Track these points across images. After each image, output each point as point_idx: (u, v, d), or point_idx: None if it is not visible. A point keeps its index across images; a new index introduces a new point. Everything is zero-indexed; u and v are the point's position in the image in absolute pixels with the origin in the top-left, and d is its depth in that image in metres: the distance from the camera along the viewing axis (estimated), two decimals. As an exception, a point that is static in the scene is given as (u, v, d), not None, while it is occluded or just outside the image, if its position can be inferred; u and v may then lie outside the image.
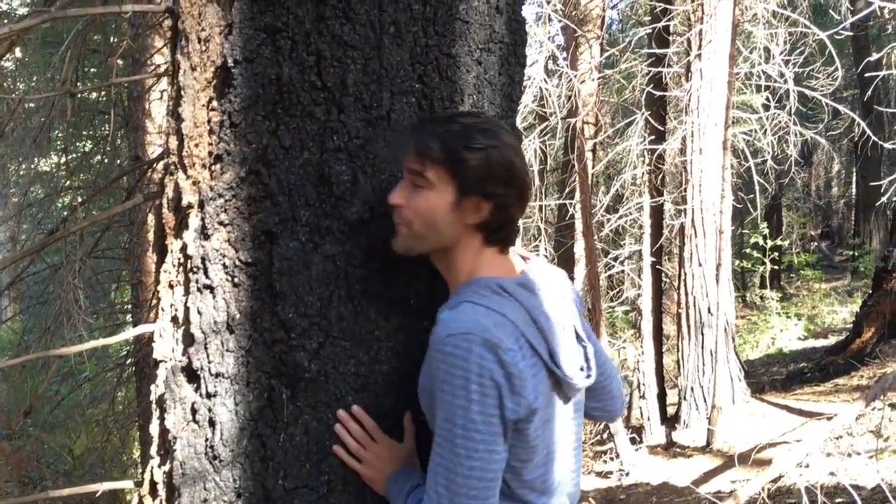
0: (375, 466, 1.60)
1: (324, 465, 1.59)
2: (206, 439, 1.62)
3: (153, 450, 1.78)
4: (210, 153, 1.64)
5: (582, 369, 1.62)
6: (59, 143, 8.19)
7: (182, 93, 1.69)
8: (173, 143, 1.74)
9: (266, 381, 1.59)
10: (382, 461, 1.61)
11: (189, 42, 1.69)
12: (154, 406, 1.78)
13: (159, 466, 1.74)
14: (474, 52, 1.76)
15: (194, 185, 1.66)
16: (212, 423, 1.61)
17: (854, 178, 23.06)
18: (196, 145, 1.66)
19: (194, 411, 1.63)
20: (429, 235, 1.56)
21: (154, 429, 1.77)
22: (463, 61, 1.74)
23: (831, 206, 29.24)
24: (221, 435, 1.60)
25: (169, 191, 1.77)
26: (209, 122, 1.65)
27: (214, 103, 1.64)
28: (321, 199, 1.61)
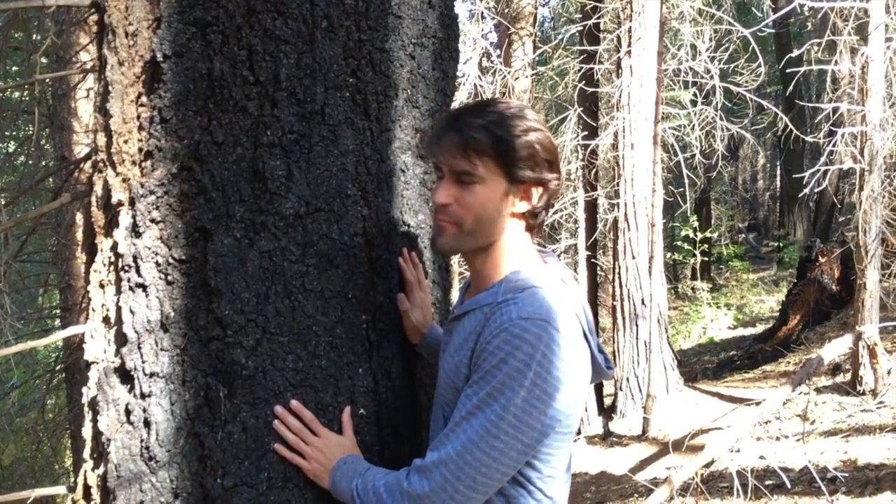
0: (318, 460, 1.59)
1: (263, 462, 1.58)
2: (142, 440, 1.59)
3: (86, 453, 1.74)
4: (140, 149, 1.62)
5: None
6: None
7: (110, 88, 1.66)
8: (101, 139, 1.70)
9: (202, 380, 1.57)
10: (324, 454, 1.60)
11: (116, 36, 1.65)
12: (86, 409, 1.74)
13: (93, 470, 1.71)
14: (407, 46, 1.77)
15: (124, 182, 1.63)
16: (147, 424, 1.58)
17: (778, 171, 23.79)
18: (125, 142, 1.63)
19: (128, 412, 1.60)
20: (480, 231, 1.54)
21: (87, 432, 1.73)
22: (396, 56, 1.75)
23: (757, 199, 30.13)
24: (157, 435, 1.57)
25: (98, 189, 1.73)
26: (139, 117, 1.62)
27: (144, 99, 1.61)
28: (256, 195, 1.60)
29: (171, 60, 1.56)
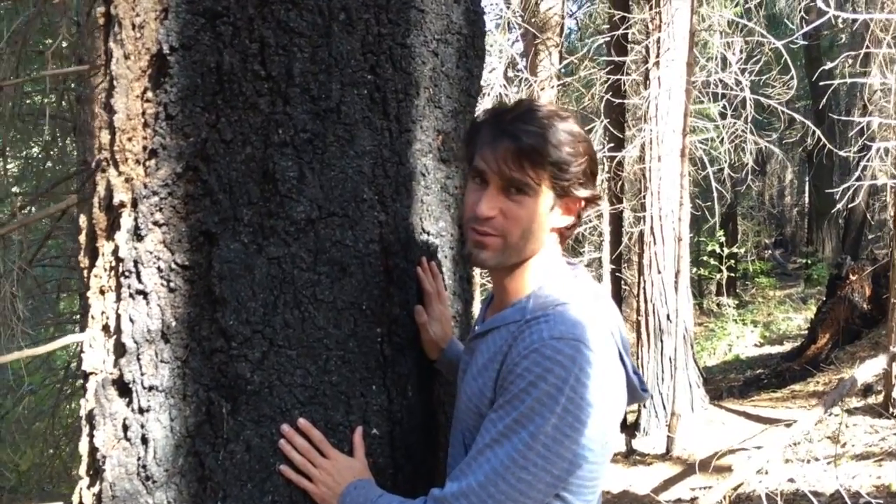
0: (327, 483, 1.48)
1: (267, 485, 1.47)
2: (139, 458, 1.48)
3: (82, 469, 1.64)
4: (144, 148, 1.52)
5: None
6: (7, 149, 7.93)
7: (115, 83, 1.56)
8: (105, 137, 1.61)
9: (204, 395, 1.47)
10: (333, 477, 1.48)
11: (122, 28, 1.56)
12: (83, 422, 1.64)
13: (88, 488, 1.61)
14: (430, 42, 1.66)
15: (127, 182, 1.53)
16: (145, 441, 1.48)
17: (807, 188, 23.48)
18: (129, 139, 1.53)
19: (126, 428, 1.50)
20: (524, 246, 1.43)
21: (83, 447, 1.63)
22: (418, 52, 1.64)
23: (784, 215, 29.76)
24: (155, 453, 1.47)
25: (100, 189, 1.64)
26: (143, 114, 1.52)
27: (149, 94, 1.52)
28: (265, 198, 1.49)
29: (178, 53, 1.47)
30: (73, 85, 6.71)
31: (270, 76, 1.49)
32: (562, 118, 1.40)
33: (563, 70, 10.47)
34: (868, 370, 5.64)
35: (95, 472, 1.58)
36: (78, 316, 8.11)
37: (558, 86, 9.51)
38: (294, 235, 1.50)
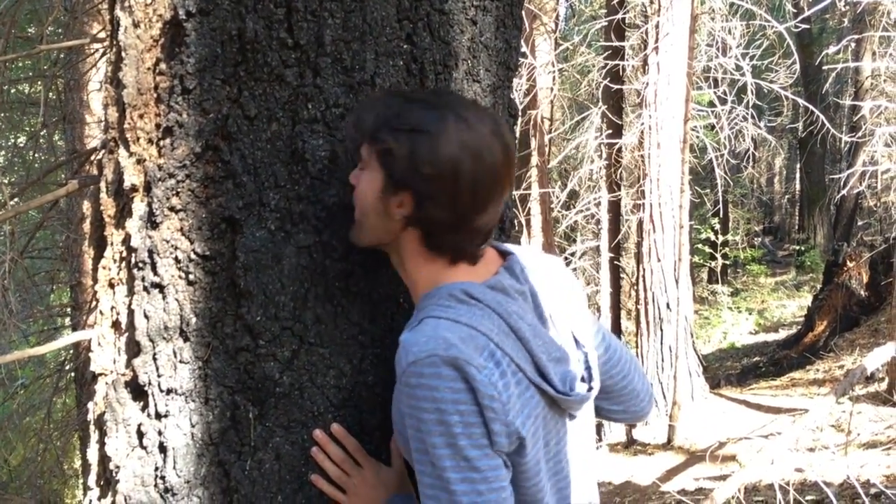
0: (362, 495, 1.35)
1: (299, 497, 1.34)
2: (156, 468, 1.35)
3: (91, 479, 1.50)
4: (158, 125, 1.37)
5: (583, 380, 1.35)
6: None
7: (123, 54, 1.41)
8: (113, 114, 1.46)
9: (229, 398, 1.33)
10: (370, 489, 1.35)
11: (131, -7, 1.41)
12: (92, 428, 1.50)
13: (99, 500, 1.47)
14: (469, 9, 1.52)
15: (139, 163, 1.38)
16: (163, 449, 1.34)
17: (798, 175, 23.49)
18: (140, 116, 1.38)
19: (141, 435, 1.36)
20: (363, 223, 1.32)
21: (92, 455, 1.49)
22: (456, 19, 1.49)
23: (773, 202, 29.81)
24: (175, 463, 1.33)
25: (108, 172, 1.49)
26: (156, 88, 1.37)
27: (163, 66, 1.37)
28: (293, 180, 1.35)
29: (195, 19, 1.32)
30: (60, 72, 6.53)
31: (298, 44, 1.34)
32: (424, 106, 1.27)
33: (557, 57, 10.33)
34: (877, 358, 5.54)
35: (106, 482, 1.44)
36: (69, 309, 7.94)
37: (553, 72, 9.36)
38: (325, 222, 1.37)
